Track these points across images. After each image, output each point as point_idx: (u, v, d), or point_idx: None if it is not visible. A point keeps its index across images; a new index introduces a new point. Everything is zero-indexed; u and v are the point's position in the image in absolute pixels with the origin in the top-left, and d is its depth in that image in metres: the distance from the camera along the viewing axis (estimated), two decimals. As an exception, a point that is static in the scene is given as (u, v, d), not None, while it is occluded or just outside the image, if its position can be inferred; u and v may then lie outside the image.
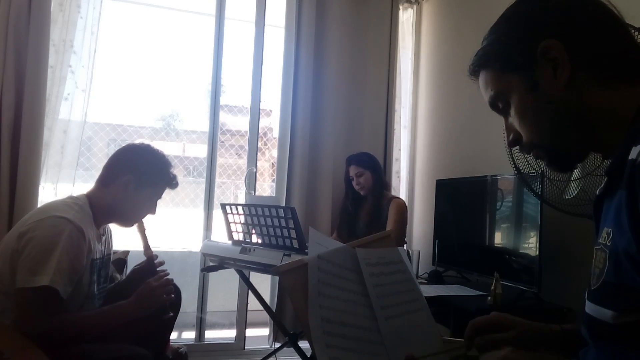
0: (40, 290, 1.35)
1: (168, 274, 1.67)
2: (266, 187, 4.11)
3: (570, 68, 0.70)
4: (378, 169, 2.79)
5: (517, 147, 0.81)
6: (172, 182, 1.72)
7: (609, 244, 0.64)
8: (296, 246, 1.85)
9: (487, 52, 0.78)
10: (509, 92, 0.76)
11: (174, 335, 2.87)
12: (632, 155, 0.60)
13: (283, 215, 1.86)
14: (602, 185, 0.71)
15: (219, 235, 2.59)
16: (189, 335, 3.06)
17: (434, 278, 2.40)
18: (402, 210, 2.69)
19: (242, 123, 3.99)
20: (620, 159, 0.63)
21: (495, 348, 0.90)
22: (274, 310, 2.80)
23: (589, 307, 0.68)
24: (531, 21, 0.74)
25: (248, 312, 2.99)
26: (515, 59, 0.74)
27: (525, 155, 1.80)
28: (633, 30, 1.39)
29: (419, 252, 2.56)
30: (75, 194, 1.64)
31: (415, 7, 3.36)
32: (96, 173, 1.69)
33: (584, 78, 0.70)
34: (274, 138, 3.69)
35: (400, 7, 3.28)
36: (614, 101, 0.69)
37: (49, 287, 1.35)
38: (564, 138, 0.74)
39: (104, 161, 1.70)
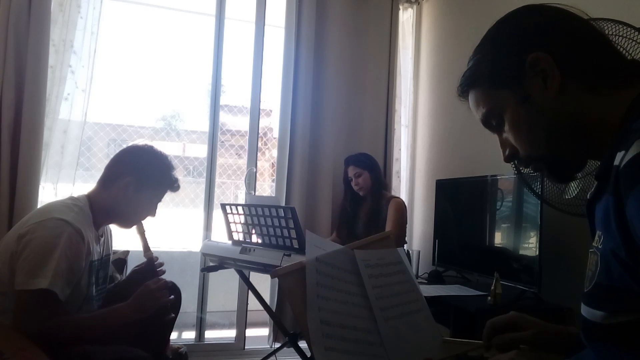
0: (38, 293, 1.35)
1: (164, 276, 1.66)
2: (266, 187, 4.11)
3: (559, 78, 0.72)
4: (376, 169, 2.79)
5: (515, 161, 0.82)
6: (173, 185, 1.70)
7: (600, 246, 0.65)
8: (296, 246, 1.84)
9: (474, 72, 0.80)
10: (501, 107, 0.78)
11: (174, 335, 2.87)
12: (616, 161, 0.62)
13: (283, 215, 1.85)
14: (593, 189, 0.72)
15: (219, 235, 2.59)
16: (189, 335, 3.07)
17: (434, 278, 2.40)
18: (401, 210, 2.69)
19: (242, 123, 3.98)
20: (607, 164, 0.65)
21: (514, 347, 0.89)
22: (274, 310, 2.80)
23: (583, 310, 0.69)
24: (517, 37, 0.75)
25: (248, 312, 2.99)
26: (504, 74, 0.75)
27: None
28: (633, 31, 1.38)
29: (419, 252, 2.56)
30: (76, 195, 1.63)
31: (415, 7, 3.35)
32: (96, 173, 1.68)
33: (574, 87, 0.72)
34: (274, 138, 3.69)
35: (400, 7, 3.27)
36: (605, 108, 0.71)
37: (48, 290, 1.35)
38: (559, 147, 0.75)
39: (104, 161, 1.69)
